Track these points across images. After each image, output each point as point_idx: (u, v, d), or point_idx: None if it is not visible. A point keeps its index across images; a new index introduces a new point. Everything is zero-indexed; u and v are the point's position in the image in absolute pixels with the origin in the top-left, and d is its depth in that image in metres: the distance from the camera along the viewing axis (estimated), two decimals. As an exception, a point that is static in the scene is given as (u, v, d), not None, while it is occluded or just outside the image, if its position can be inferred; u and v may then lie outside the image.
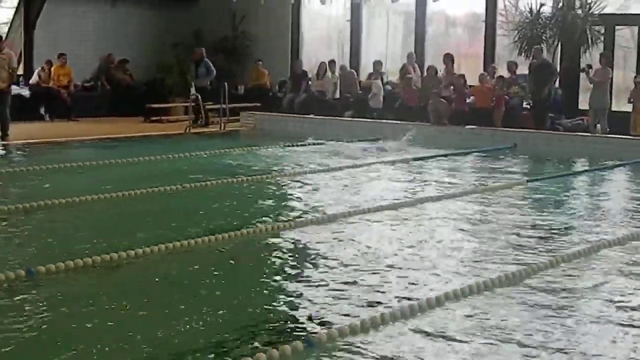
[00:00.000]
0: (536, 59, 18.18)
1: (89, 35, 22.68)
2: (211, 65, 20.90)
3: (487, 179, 13.01)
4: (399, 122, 18.65)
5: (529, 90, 18.36)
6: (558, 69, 18.49)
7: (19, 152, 15.60)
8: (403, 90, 19.95)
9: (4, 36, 18.21)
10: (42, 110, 20.57)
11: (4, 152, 15.64)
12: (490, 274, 7.28)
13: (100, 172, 13.15)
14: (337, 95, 21.34)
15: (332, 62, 21.55)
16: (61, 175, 12.89)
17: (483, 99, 18.60)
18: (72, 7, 22.22)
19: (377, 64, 21.22)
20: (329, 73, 21.52)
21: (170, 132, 19.05)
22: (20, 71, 20.20)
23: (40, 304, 6.47)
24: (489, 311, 6.37)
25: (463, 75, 18.92)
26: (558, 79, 18.45)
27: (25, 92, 20.07)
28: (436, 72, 19.76)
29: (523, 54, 19.07)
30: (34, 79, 20.63)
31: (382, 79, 20.84)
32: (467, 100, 18.70)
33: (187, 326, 5.95)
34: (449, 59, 19.55)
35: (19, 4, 21.70)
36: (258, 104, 21.58)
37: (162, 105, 20.65)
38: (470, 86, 19.02)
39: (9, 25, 22.00)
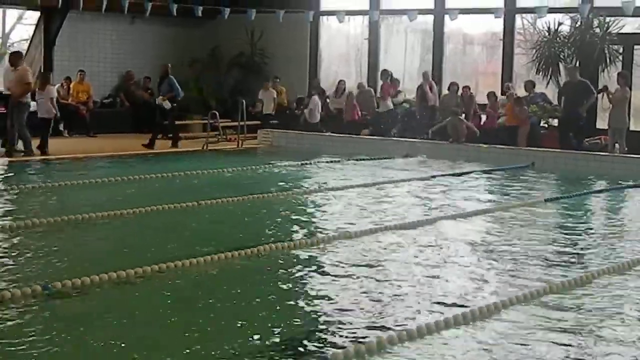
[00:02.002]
0: (571, 78, 18.05)
1: (108, 52, 22.85)
2: (176, 83, 19.57)
3: (505, 197, 12.96)
4: (415, 140, 18.66)
5: (561, 109, 18.24)
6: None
7: (37, 168, 15.66)
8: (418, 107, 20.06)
9: (24, 52, 18.34)
10: (61, 126, 20.68)
11: (23, 168, 15.70)
12: (505, 293, 7.25)
13: (117, 188, 13.17)
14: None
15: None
16: (79, 191, 12.93)
17: (510, 116, 18.61)
18: (91, 24, 22.37)
19: (384, 73, 21.32)
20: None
21: (188, 148, 19.12)
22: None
23: (55, 320, 6.47)
24: (505, 332, 6.33)
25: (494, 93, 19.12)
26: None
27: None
28: (457, 89, 19.78)
29: (541, 73, 19.05)
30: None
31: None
32: (498, 120, 18.80)
33: (204, 344, 5.93)
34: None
35: (38, 20, 21.85)
36: (276, 121, 21.64)
37: (179, 122, 20.71)
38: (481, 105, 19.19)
39: (29, 41, 22.16)
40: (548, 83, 19.12)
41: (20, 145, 16.86)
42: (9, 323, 6.29)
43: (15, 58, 17.34)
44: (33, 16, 22.40)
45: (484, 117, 19.60)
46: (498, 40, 21.11)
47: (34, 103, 17.30)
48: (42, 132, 17.31)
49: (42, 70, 20.52)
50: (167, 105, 19.12)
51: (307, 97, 22.25)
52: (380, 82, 21.62)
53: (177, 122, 20.38)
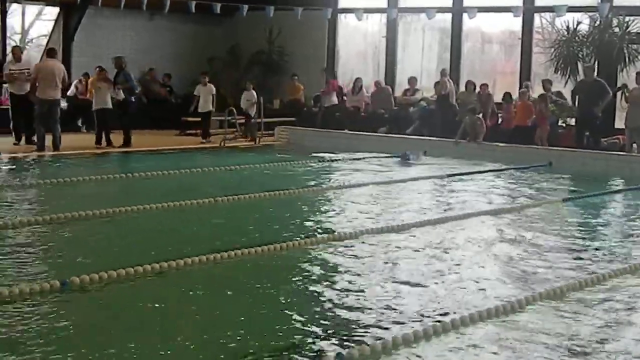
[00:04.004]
0: (586, 77, 17.98)
1: (126, 48, 22.86)
2: (131, 75, 18.70)
3: (523, 197, 12.93)
4: (433, 138, 18.66)
5: (577, 108, 18.19)
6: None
7: (55, 164, 15.74)
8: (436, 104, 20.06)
9: (43, 48, 18.49)
10: (79, 122, 20.78)
11: (41, 163, 15.80)
12: (521, 292, 7.25)
13: (134, 184, 13.24)
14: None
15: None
16: (96, 186, 13.00)
17: (523, 116, 18.56)
18: (109, 20, 22.46)
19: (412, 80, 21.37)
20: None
21: (206, 145, 19.18)
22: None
23: (73, 315, 6.49)
24: (518, 327, 6.34)
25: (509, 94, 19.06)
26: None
27: (63, 104, 20.24)
28: (474, 88, 19.75)
29: (559, 72, 18.99)
30: (71, 91, 20.81)
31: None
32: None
33: (219, 341, 5.94)
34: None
35: (58, 16, 21.95)
36: (293, 119, 21.67)
37: (197, 119, 20.76)
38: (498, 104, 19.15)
39: (48, 37, 22.27)
40: (566, 82, 19.05)
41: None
42: (27, 319, 6.30)
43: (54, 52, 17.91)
44: (52, 12, 22.53)
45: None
46: (516, 39, 21.07)
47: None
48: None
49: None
50: (121, 95, 18.41)
51: (322, 93, 22.26)
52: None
53: (190, 119, 20.45)
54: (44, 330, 6.05)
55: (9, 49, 20.41)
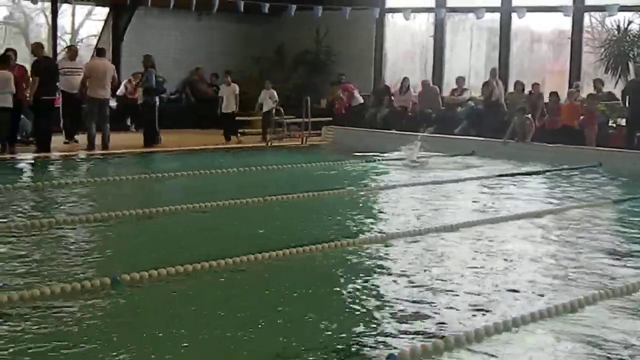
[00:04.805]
0: (638, 77, 17.73)
1: (175, 48, 23.08)
2: (152, 75, 18.27)
3: (573, 198, 12.80)
4: (482, 138, 18.54)
5: (627, 108, 17.97)
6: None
7: (105, 162, 15.89)
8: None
9: (92, 48, 18.72)
10: (128, 121, 20.98)
11: (92, 161, 15.97)
12: (569, 295, 7.17)
13: (182, 183, 13.33)
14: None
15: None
16: (145, 184, 13.11)
17: (570, 116, 18.37)
18: (158, 19, 22.62)
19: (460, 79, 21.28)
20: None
21: (252, 144, 19.23)
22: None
23: (123, 312, 6.56)
24: (569, 331, 6.29)
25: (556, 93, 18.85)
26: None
27: (113, 104, 20.45)
28: (523, 89, 19.60)
29: (610, 72, 18.78)
30: (120, 90, 20.99)
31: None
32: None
33: (269, 340, 5.96)
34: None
35: (107, 16, 22.16)
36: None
37: (243, 118, 20.83)
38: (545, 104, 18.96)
39: (98, 37, 22.49)
40: (617, 82, 18.84)
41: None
42: (78, 315, 6.37)
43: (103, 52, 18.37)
44: (102, 12, 22.76)
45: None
46: (566, 38, 20.86)
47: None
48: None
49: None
50: (140, 98, 18.54)
51: (371, 94, 22.24)
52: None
53: (240, 118, 20.50)
54: (94, 326, 6.12)
55: (59, 49, 20.67)
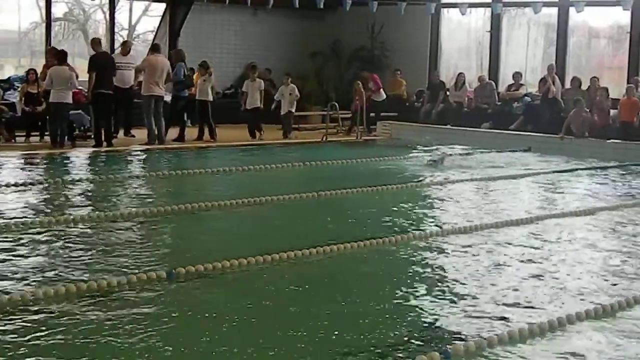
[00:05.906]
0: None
1: (230, 44, 23.18)
2: (180, 70, 18.14)
3: (631, 195, 12.63)
4: (541, 133, 18.35)
5: None
6: None
7: (163, 156, 16.02)
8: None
9: (149, 43, 18.84)
10: (184, 116, 21.06)
11: (149, 156, 16.11)
12: (628, 292, 7.11)
13: (238, 178, 13.40)
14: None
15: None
16: (202, 179, 13.21)
17: (628, 112, 18.09)
18: (214, 15, 22.75)
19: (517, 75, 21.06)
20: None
21: (308, 139, 19.25)
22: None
23: (178, 306, 6.60)
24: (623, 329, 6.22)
25: (606, 89, 18.52)
26: None
27: (168, 99, 20.58)
28: (580, 84, 19.35)
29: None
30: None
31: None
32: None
33: (320, 335, 5.97)
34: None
35: (164, 12, 22.34)
36: (395, 114, 21.59)
37: (299, 114, 20.84)
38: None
39: (154, 33, 22.69)
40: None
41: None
42: (133, 308, 6.44)
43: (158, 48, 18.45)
44: (159, 8, 22.91)
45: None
46: (625, 33, 20.55)
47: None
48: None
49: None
50: (167, 93, 18.28)
51: (426, 90, 22.12)
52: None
53: (296, 113, 20.45)
54: (149, 318, 6.19)
55: (116, 44, 20.87)
